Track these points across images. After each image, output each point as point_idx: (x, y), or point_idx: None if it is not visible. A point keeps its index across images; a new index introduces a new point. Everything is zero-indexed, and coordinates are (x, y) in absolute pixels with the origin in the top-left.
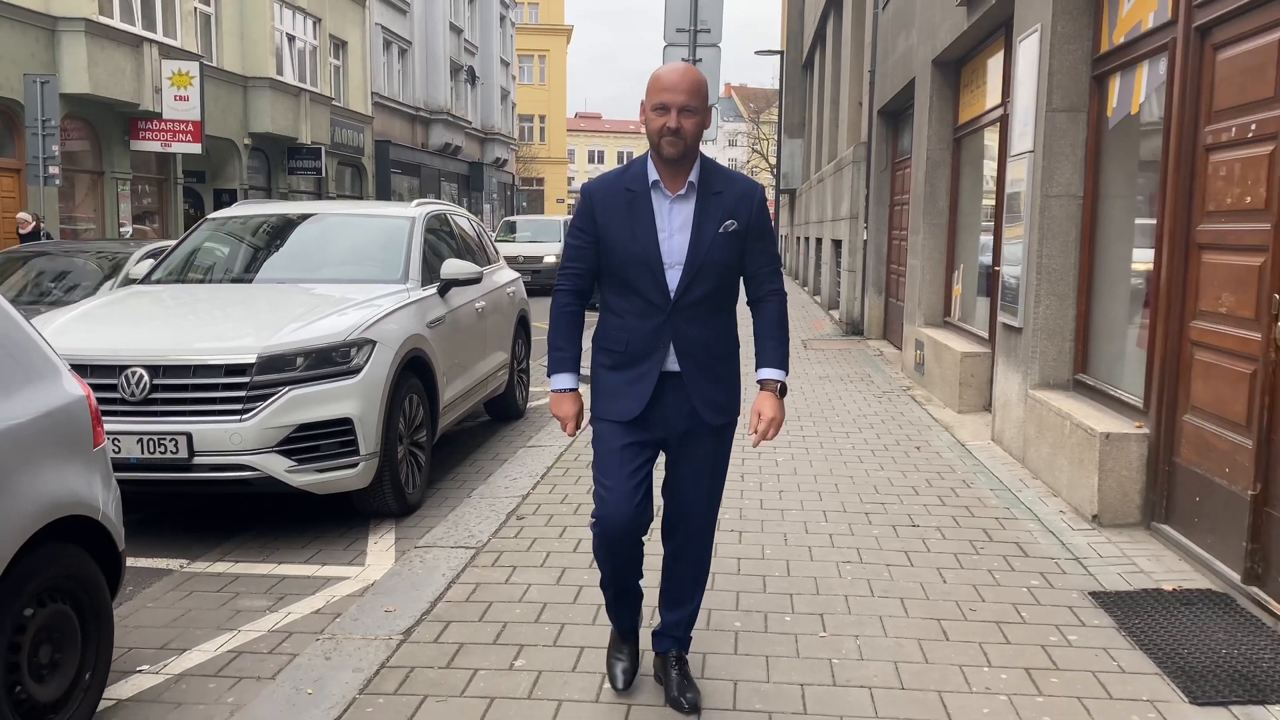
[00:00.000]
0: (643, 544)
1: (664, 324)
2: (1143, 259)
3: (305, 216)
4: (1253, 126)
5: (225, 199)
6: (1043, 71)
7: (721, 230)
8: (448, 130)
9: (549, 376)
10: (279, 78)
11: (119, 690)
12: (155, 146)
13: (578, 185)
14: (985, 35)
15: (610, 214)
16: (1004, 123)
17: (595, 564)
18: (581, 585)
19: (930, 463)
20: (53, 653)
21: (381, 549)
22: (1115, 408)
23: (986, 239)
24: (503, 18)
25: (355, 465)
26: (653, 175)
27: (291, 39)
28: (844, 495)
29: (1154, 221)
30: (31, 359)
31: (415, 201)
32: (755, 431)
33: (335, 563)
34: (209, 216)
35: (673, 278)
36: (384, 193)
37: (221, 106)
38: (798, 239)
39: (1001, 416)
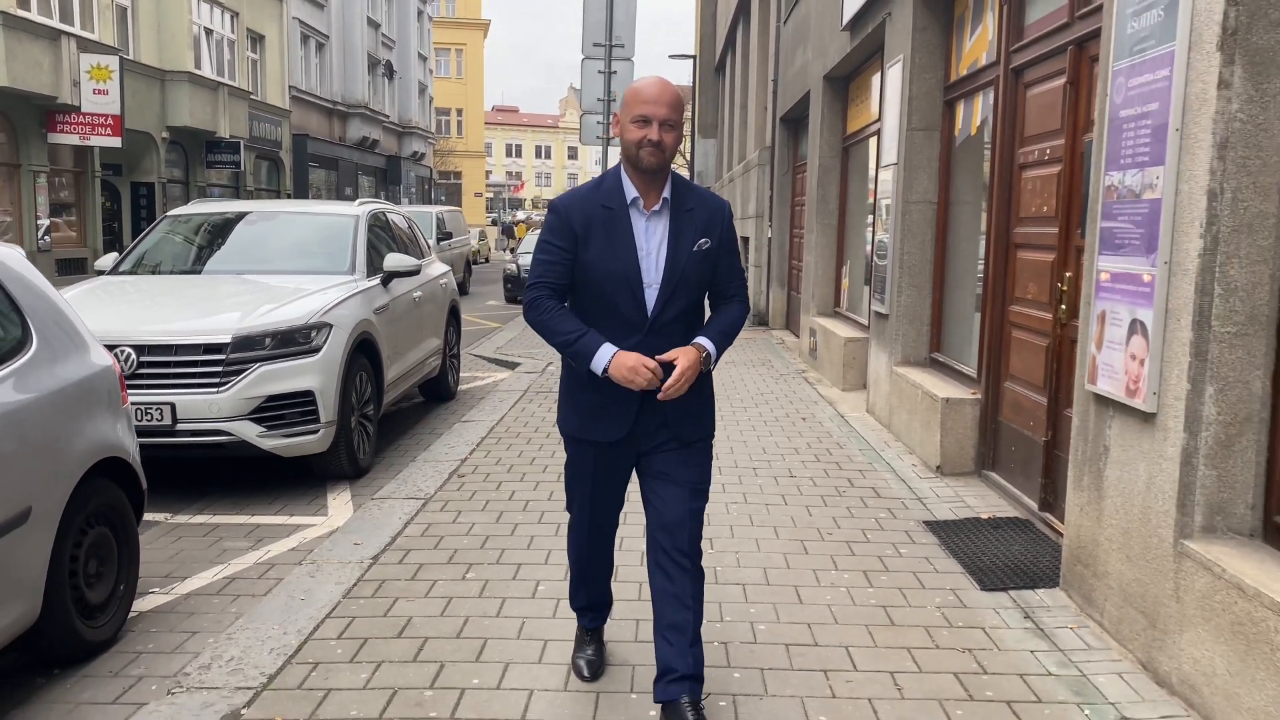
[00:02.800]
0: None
1: (640, 343)
2: (983, 255)
3: (259, 214)
4: (1048, 151)
5: (143, 192)
6: (904, 95)
7: (696, 248)
8: (365, 124)
9: (589, 362)
10: (197, 71)
11: (138, 606)
12: (74, 139)
13: (496, 179)
14: (866, 57)
15: (591, 232)
16: (880, 135)
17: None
18: (518, 523)
19: (813, 430)
20: (98, 566)
21: (341, 503)
22: (959, 379)
23: (870, 237)
24: (420, 12)
25: (316, 431)
26: (630, 192)
27: (209, 32)
28: (737, 456)
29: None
30: (74, 333)
31: (358, 201)
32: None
33: (302, 514)
34: (168, 214)
35: (650, 296)
36: (301, 187)
37: (139, 100)
38: None
39: (874, 391)
